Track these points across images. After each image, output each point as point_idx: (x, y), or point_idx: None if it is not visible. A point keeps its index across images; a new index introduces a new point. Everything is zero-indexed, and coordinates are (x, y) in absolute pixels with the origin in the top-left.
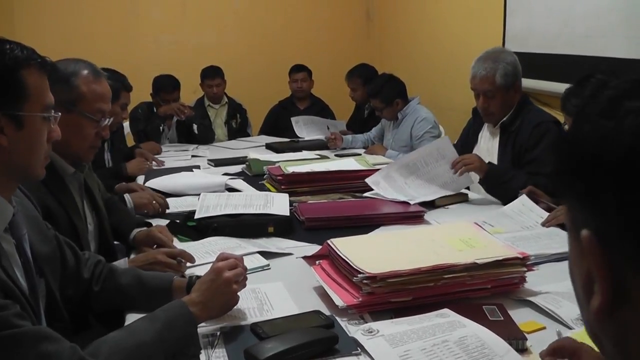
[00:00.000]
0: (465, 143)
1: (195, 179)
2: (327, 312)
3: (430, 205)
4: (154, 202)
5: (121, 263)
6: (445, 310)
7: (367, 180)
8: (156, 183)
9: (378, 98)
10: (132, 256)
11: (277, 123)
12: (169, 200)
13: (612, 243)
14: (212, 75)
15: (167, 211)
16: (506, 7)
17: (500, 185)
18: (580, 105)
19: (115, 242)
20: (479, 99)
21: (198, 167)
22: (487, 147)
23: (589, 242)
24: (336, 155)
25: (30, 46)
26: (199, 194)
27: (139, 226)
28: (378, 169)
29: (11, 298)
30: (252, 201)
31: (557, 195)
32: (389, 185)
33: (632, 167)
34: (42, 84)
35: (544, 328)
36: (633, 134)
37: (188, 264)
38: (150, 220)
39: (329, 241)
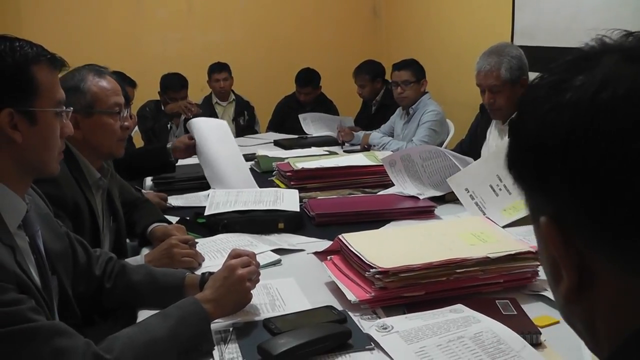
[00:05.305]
0: (474, 139)
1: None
2: (339, 308)
3: (441, 200)
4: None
5: (137, 259)
6: (459, 306)
7: (383, 159)
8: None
9: (410, 70)
10: (146, 251)
11: (284, 121)
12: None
13: (569, 226)
14: (219, 69)
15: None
16: (515, 1)
17: None
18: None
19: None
20: (485, 94)
21: None
22: (496, 144)
23: (547, 228)
24: (345, 152)
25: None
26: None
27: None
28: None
29: (26, 293)
30: (262, 197)
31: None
32: (403, 167)
33: (575, 144)
34: (52, 80)
35: (558, 322)
36: (571, 112)
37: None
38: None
39: (340, 236)
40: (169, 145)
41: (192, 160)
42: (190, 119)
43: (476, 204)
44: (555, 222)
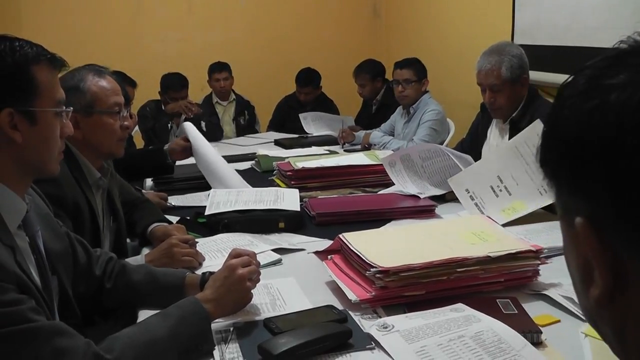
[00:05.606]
0: (475, 138)
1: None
2: (340, 307)
3: (441, 199)
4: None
5: (138, 259)
6: (460, 305)
7: (383, 160)
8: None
9: (412, 69)
10: (147, 251)
11: (285, 120)
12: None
13: (607, 229)
14: (219, 68)
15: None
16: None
17: None
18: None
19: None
20: (485, 93)
21: None
22: (497, 143)
23: (584, 229)
24: (345, 151)
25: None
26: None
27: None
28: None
29: (26, 293)
30: (263, 197)
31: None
32: (403, 167)
33: (620, 146)
34: (52, 80)
35: (559, 321)
36: (618, 112)
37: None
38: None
39: (340, 235)
40: (165, 148)
41: (192, 160)
42: (191, 118)
43: (476, 204)
44: (591, 223)
